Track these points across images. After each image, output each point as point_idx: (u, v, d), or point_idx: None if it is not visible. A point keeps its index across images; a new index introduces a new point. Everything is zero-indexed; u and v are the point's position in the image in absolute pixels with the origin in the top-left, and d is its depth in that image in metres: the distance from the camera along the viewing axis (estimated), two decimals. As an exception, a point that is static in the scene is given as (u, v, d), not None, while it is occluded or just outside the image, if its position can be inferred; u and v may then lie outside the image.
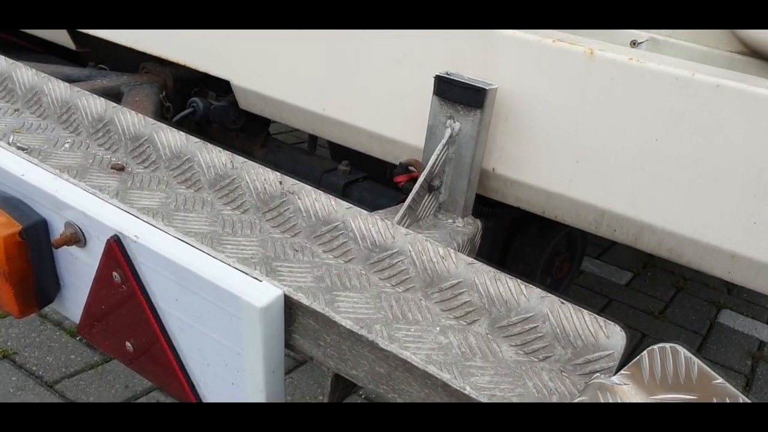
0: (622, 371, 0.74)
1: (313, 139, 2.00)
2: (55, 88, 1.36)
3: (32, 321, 2.21)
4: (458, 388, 0.79)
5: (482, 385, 0.80)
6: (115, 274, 0.94)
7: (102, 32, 1.70)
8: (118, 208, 0.97)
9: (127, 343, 1.01)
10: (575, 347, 0.87)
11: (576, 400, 0.73)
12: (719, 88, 0.99)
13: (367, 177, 1.70)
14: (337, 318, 0.85)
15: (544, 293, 0.91)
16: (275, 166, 1.23)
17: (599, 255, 3.39)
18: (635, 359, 0.73)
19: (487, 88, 1.14)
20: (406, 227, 1.07)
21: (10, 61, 1.44)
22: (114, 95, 1.53)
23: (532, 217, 1.38)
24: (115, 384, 2.00)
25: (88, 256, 1.00)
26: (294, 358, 2.21)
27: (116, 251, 0.92)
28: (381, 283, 1.00)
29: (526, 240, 1.60)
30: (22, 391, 1.92)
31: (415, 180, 1.20)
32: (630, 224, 1.14)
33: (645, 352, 0.73)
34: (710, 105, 1.00)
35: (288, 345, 0.92)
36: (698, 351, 2.72)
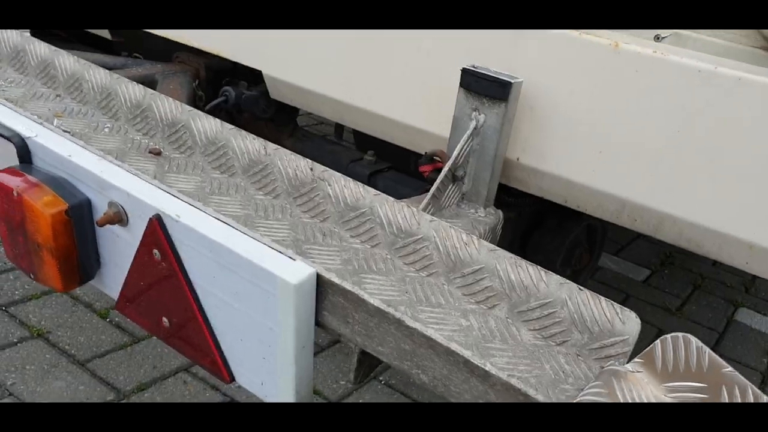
0: (635, 359, 0.76)
1: (339, 128, 2.04)
2: (96, 75, 1.41)
3: (65, 302, 2.28)
4: (479, 364, 0.82)
5: (501, 365, 0.83)
6: (155, 251, 0.99)
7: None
8: (160, 189, 1.01)
9: (164, 319, 1.06)
10: (591, 332, 0.89)
11: (590, 385, 0.76)
12: (741, 81, 1.00)
13: (392, 167, 1.73)
14: (366, 296, 0.89)
15: (563, 280, 0.93)
16: (303, 155, 1.27)
17: (617, 251, 3.40)
18: (648, 348, 0.75)
19: (512, 81, 1.16)
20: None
21: (53, 48, 1.49)
22: (149, 83, 1.58)
23: (553, 209, 1.40)
24: (144, 364, 2.07)
25: (129, 234, 1.05)
26: (316, 344, 2.25)
27: (157, 230, 0.97)
28: (405, 268, 1.03)
29: (546, 231, 1.62)
30: (56, 368, 1.99)
31: (439, 170, 1.23)
32: (651, 214, 1.16)
33: (658, 341, 0.74)
34: (732, 98, 1.02)
35: (318, 322, 0.96)
36: (715, 348, 2.72)
